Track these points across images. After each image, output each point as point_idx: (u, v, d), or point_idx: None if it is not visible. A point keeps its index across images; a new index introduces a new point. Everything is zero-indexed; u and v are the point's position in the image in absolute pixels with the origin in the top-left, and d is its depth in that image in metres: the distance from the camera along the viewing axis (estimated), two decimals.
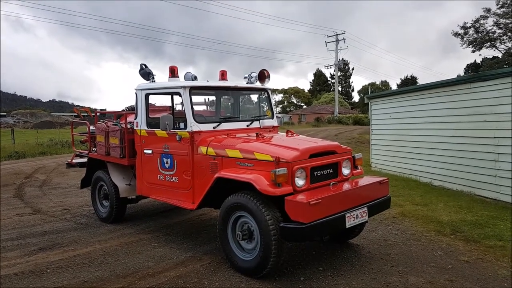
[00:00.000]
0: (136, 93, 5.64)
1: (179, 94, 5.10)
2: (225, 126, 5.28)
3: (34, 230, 6.13)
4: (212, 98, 6.35)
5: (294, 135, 5.19)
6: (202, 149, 4.87)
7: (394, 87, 69.20)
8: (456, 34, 32.15)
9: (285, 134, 5.21)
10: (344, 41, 45.85)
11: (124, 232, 5.95)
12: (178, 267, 4.56)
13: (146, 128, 5.54)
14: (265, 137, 4.96)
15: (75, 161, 7.58)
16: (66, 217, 6.92)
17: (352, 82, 78.28)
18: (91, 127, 6.84)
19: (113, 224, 6.33)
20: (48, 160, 15.04)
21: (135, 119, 5.70)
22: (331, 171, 4.57)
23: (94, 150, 6.74)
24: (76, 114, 9.16)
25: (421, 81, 65.98)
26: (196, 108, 5.48)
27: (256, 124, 5.67)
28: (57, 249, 5.26)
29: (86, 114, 8.32)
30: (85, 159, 7.25)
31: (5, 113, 58.09)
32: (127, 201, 6.35)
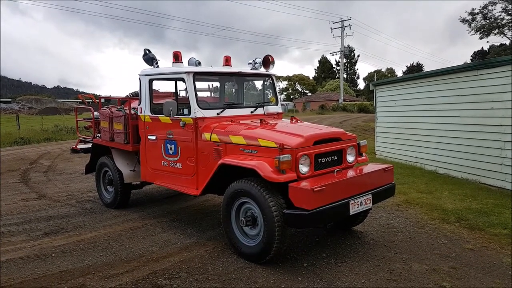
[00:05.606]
0: (139, 79, 5.60)
1: (182, 79, 5.06)
2: (229, 112, 5.25)
3: (39, 215, 6.18)
4: (216, 84, 6.31)
5: (299, 121, 5.15)
6: (206, 136, 4.85)
7: (400, 74, 68.54)
8: (464, 21, 31.72)
9: (290, 120, 5.17)
10: (350, 27, 45.44)
11: (128, 217, 5.99)
12: (182, 252, 4.58)
13: (150, 114, 5.52)
14: (269, 124, 4.92)
15: (79, 147, 7.61)
16: (71, 202, 6.97)
17: (357, 69, 77.22)
18: (95, 113, 6.84)
19: (118, 209, 6.37)
20: (53, 146, 15.10)
21: (138, 104, 5.68)
22: (336, 158, 4.54)
23: (98, 136, 6.75)
24: (81, 100, 9.18)
25: (427, 68, 65.29)
26: (200, 94, 5.45)
27: (260, 111, 5.63)
28: (62, 234, 5.31)
29: (91, 100, 8.32)
30: (89, 145, 7.26)
31: (10, 99, 58.23)
32: (131, 187, 6.38)
